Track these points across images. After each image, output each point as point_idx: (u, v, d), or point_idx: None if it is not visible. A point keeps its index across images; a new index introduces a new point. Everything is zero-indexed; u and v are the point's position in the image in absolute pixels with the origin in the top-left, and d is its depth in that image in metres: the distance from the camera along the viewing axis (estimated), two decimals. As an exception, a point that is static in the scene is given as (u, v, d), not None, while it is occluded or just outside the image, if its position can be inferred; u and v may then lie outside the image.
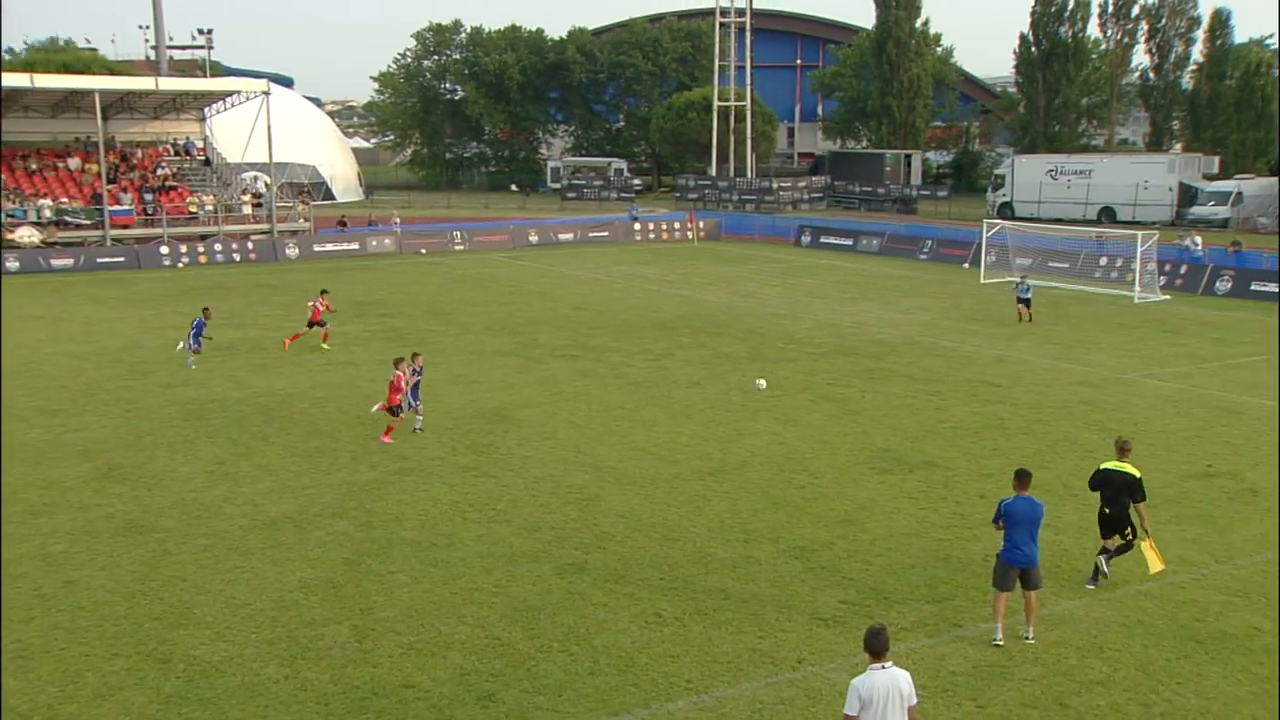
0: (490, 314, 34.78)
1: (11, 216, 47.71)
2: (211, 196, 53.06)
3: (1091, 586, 13.65)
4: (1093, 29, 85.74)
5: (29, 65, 72.63)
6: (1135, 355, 28.38)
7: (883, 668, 8.50)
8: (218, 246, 49.65)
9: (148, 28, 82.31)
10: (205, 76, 74.30)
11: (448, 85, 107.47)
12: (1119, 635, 12.36)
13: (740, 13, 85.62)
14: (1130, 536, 13.71)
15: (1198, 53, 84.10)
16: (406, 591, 13.52)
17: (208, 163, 56.62)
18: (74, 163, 52.85)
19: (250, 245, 50.49)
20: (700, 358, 27.68)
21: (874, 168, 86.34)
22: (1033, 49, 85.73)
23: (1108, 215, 69.35)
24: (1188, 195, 69.29)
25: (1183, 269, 41.59)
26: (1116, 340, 30.53)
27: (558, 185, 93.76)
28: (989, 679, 11.43)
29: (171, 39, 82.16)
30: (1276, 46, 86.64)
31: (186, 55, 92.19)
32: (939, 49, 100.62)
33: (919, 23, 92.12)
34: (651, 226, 61.65)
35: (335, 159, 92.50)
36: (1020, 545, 12.08)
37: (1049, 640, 12.20)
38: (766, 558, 14.55)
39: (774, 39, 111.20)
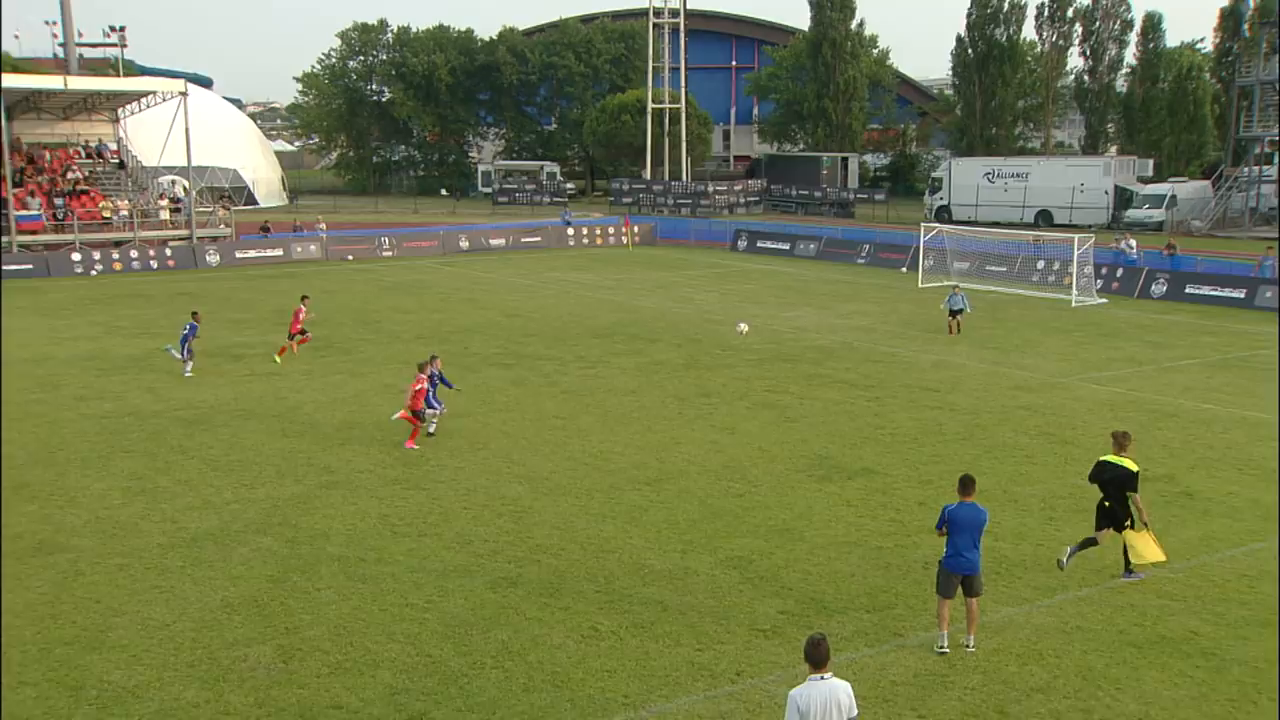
0: (420, 322, 34.54)
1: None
2: (126, 201, 52.11)
3: (1061, 569, 14.19)
4: (1029, 31, 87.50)
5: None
6: (1073, 359, 28.93)
7: (821, 678, 8.55)
8: (134, 253, 48.76)
9: (55, 23, 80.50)
10: (118, 76, 72.80)
11: (374, 86, 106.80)
12: (1058, 641, 12.57)
13: (674, 13, 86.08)
14: (1130, 525, 13.97)
15: (1131, 56, 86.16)
16: (334, 609, 13.36)
17: (122, 166, 55.61)
18: (-24, 166, 51.62)
19: (169, 252, 49.67)
20: (636, 365, 27.73)
21: (811, 171, 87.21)
22: (969, 51, 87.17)
23: (1045, 218, 70.68)
24: (1123, 198, 70.86)
25: (1119, 272, 42.49)
26: (1054, 344, 31.09)
27: (489, 189, 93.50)
28: (930, 688, 11.56)
29: (81, 36, 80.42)
30: (1207, 50, 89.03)
31: (98, 53, 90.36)
32: (875, 51, 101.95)
33: (854, 24, 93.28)
34: (585, 231, 61.71)
35: (258, 162, 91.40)
36: (963, 552, 12.24)
37: (989, 648, 12.38)
38: (704, 568, 14.60)
39: (708, 40, 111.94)
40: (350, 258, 53.31)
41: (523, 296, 40.36)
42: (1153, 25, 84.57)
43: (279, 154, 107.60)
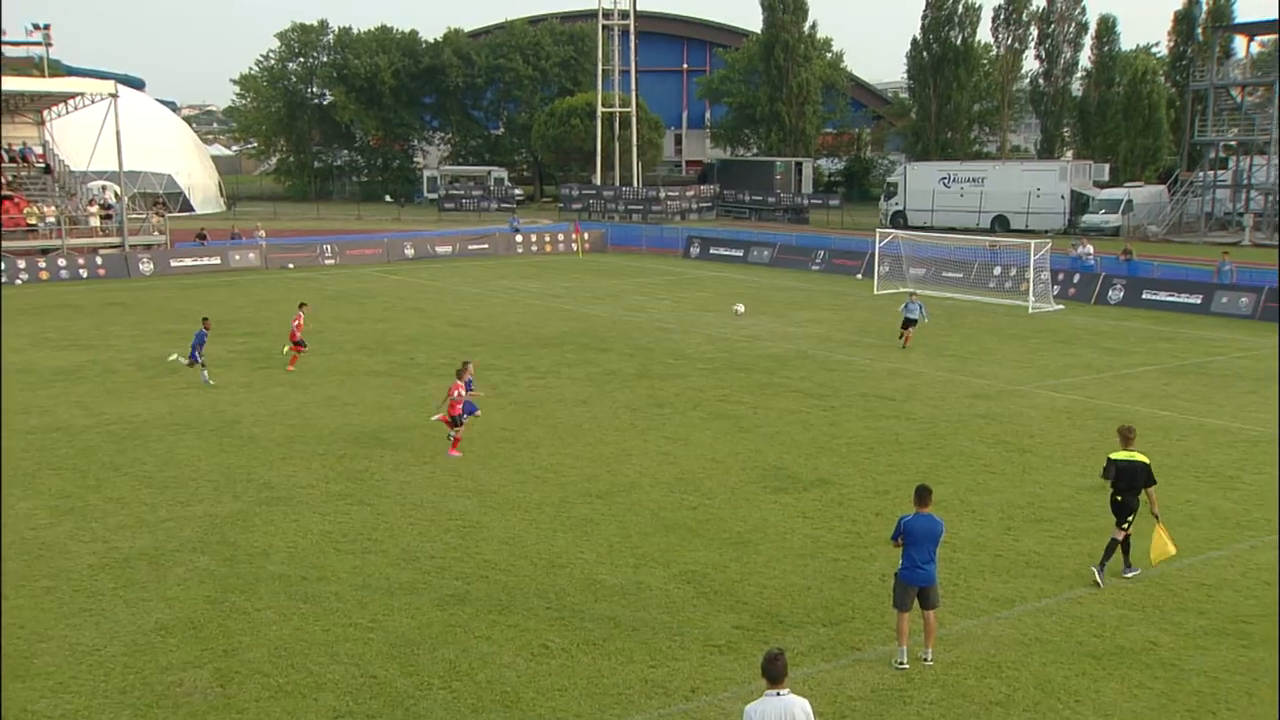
0: (364, 332, 34.32)
1: None
2: (53, 207, 51.34)
3: (1129, 575, 14.69)
4: (985, 34, 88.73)
5: None
6: (1030, 366, 29.28)
7: (778, 694, 8.56)
8: (61, 262, 48.04)
9: (-29, 21, 79.18)
10: (43, 76, 71.76)
11: (315, 89, 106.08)
12: (1017, 654, 12.69)
13: (624, 15, 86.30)
14: (1127, 527, 14.60)
15: (1086, 59, 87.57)
16: (274, 629, 13.22)
17: (48, 170, 54.79)
18: (-108, 170, 50.73)
19: (99, 260, 49.00)
20: (587, 375, 27.71)
21: (764, 176, 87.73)
22: (924, 54, 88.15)
23: (1001, 224, 71.54)
24: (1079, 203, 71.91)
25: (1075, 278, 43.09)
26: (1011, 351, 31.47)
27: (434, 195, 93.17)
28: (888, 703, 11.63)
29: (2, 34, 79.11)
30: (1162, 54, 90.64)
31: (21, 52, 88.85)
32: (829, 54, 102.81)
33: (807, 27, 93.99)
34: (534, 238, 61.65)
35: (193, 167, 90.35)
36: (920, 564, 12.32)
37: (947, 661, 12.48)
38: (657, 583, 14.60)
39: (659, 42, 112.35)
40: (291, 266, 52.89)
41: (470, 305, 40.21)
42: (1107, 28, 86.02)
43: (216, 159, 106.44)
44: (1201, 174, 71.49)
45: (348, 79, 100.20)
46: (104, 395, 25.48)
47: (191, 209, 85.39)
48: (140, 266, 49.56)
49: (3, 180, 52.29)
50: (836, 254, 52.60)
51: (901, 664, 12.27)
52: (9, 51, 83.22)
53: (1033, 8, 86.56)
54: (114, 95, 50.19)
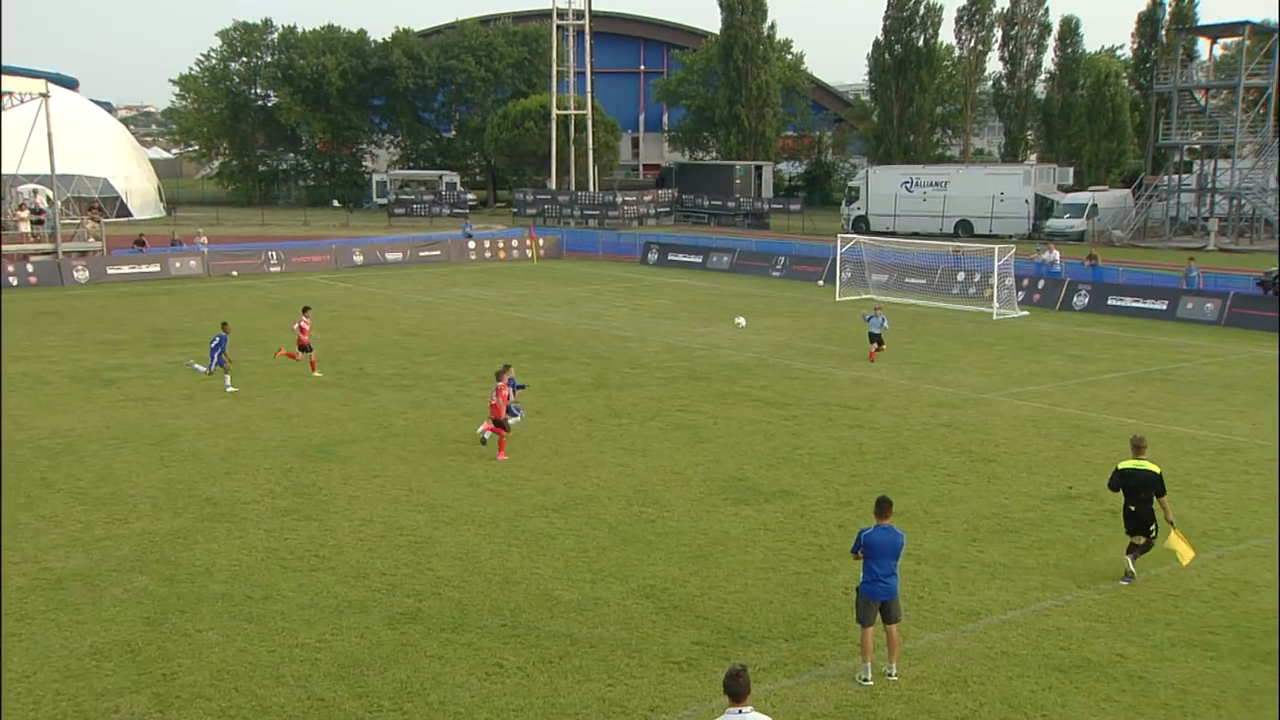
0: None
1: None
2: (-19, 213, 50.61)
3: (1125, 584, 15.01)
4: (949, 36, 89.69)
5: None
6: (995, 374, 29.55)
7: (740, 712, 8.56)
8: (-8, 270, 47.37)
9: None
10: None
11: (259, 90, 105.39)
12: (983, 668, 12.78)
13: (579, 15, 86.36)
14: (1154, 535, 15.04)
15: (1049, 61, 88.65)
16: (217, 651, 13.08)
17: (-25, 174, 53.98)
18: None
19: (30, 268, 48.31)
20: (542, 385, 27.66)
21: (723, 180, 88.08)
22: (886, 55, 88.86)
23: (965, 228, 72.25)
24: (1043, 207, 72.73)
25: (1040, 283, 43.57)
26: (976, 358, 31.74)
27: (384, 200, 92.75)
28: None
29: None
30: (1126, 56, 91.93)
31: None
32: (789, 55, 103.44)
33: (766, 27, 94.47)
34: (487, 244, 61.55)
35: (131, 171, 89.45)
36: (881, 577, 12.38)
37: (912, 676, 12.54)
38: (615, 598, 14.59)
39: (615, 43, 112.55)
40: (234, 273, 52.48)
41: (421, 314, 40.05)
42: (1070, 30, 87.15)
43: (154, 162, 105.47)
44: (1166, 178, 72.54)
45: (293, 80, 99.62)
46: (36, 408, 25.13)
47: (129, 214, 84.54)
48: (75, 274, 48.96)
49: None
50: (797, 260, 52.88)
51: (865, 680, 12.32)
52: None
53: (996, 9, 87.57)
54: (45, 95, 49.56)
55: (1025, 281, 43.45)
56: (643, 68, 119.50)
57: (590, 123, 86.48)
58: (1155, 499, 15.01)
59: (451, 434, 22.84)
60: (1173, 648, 13.27)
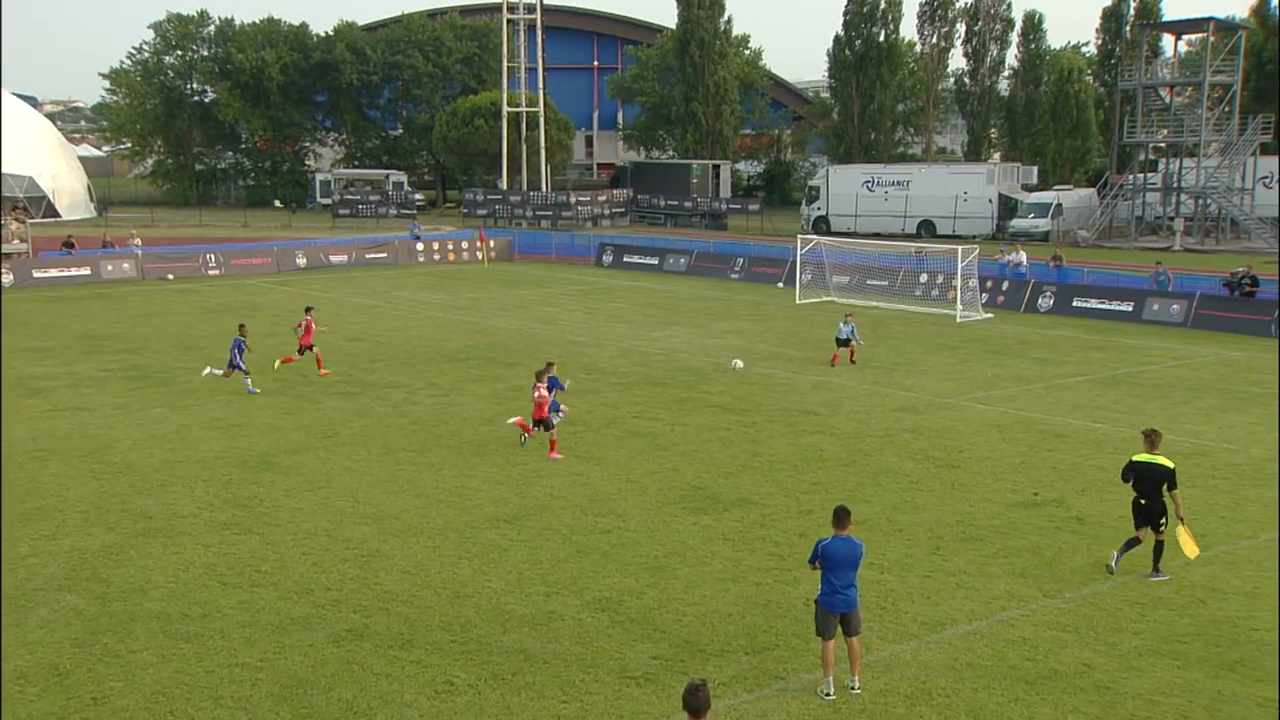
0: (252, 348, 33.70)
1: None
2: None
3: (1156, 579, 15.60)
4: (911, 31, 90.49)
5: None
6: (958, 378, 29.80)
7: (699, 728, 8.59)
8: (-90, 274, 46.64)
9: None
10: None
11: (195, 85, 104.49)
12: (948, 680, 12.87)
13: (529, 9, 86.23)
14: (1163, 529, 15.59)
15: (1013, 57, 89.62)
16: (151, 673, 12.93)
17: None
18: None
19: (-49, 272, 47.62)
20: (493, 392, 27.60)
21: (680, 179, 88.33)
22: (846, 51, 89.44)
23: (927, 229, 72.85)
24: (1007, 207, 73.47)
25: (1005, 285, 43.99)
26: (939, 362, 31.99)
27: (328, 201, 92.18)
28: (814, 734, 11.72)
29: None
30: (1091, 53, 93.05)
31: None
32: (747, 51, 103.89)
33: (723, 22, 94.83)
34: (436, 246, 61.33)
35: (58, 169, 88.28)
36: (840, 589, 12.43)
37: (875, 689, 12.61)
38: (570, 612, 14.57)
39: (568, 38, 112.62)
40: (170, 277, 51.96)
41: (368, 318, 39.84)
42: (1034, 25, 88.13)
43: (84, 160, 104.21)
44: (1131, 177, 73.49)
45: (231, 74, 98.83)
46: (-39, 419, 24.74)
47: (57, 214, 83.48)
48: None
49: None
50: (756, 261, 53.09)
51: (828, 694, 12.37)
52: None
53: (959, 4, 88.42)
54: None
55: (989, 283, 43.86)
56: (596, 63, 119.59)
57: (542, 120, 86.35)
58: (1167, 493, 15.55)
59: (399, 443, 22.72)
60: (1140, 657, 13.42)
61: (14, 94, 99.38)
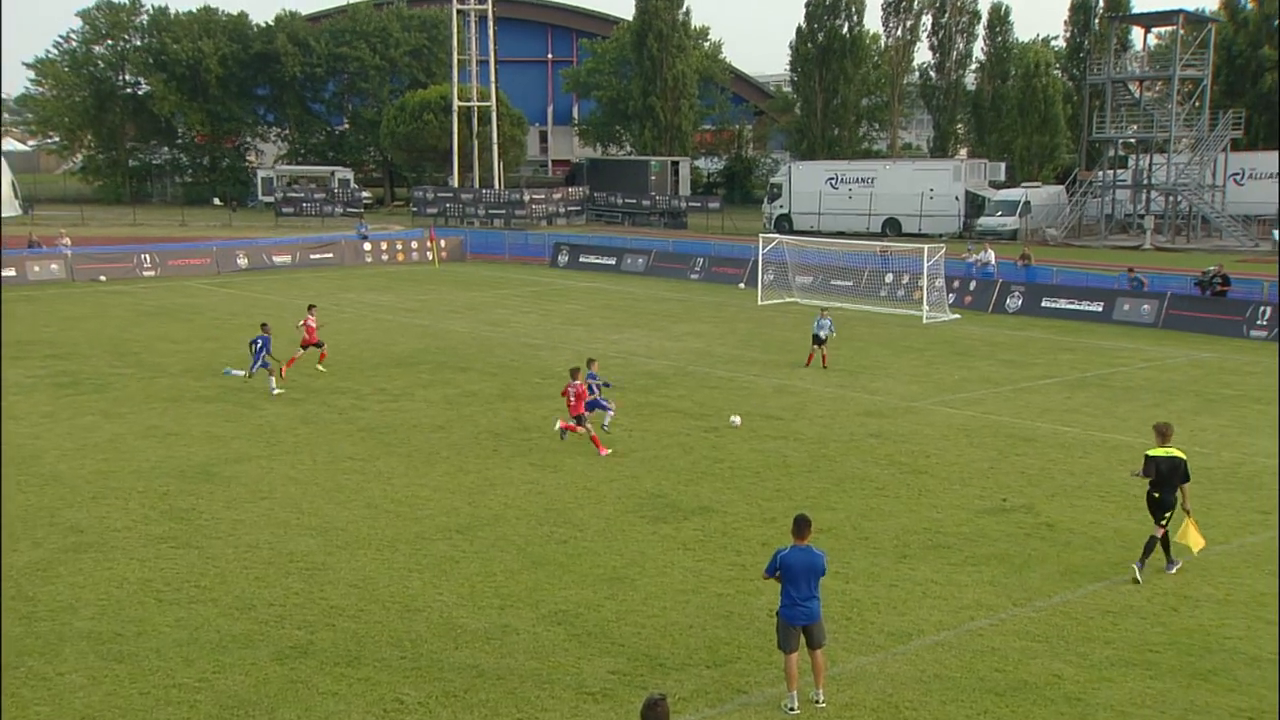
0: (191, 353, 33.51)
1: None
2: None
3: (1172, 570, 16.25)
4: (875, 23, 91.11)
5: None
6: (925, 381, 30.00)
7: (658, 745, 8.60)
8: None
9: None
10: None
11: (128, 77, 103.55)
12: (915, 692, 12.94)
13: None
14: (1166, 522, 16.13)
15: (979, 50, 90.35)
16: (81, 696, 12.77)
17: None
18: None
19: None
20: (444, 397, 27.50)
21: (638, 177, 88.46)
22: (808, 44, 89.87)
23: (893, 227, 73.31)
24: (974, 205, 74.05)
25: (972, 285, 44.33)
26: (905, 365, 32.19)
27: (271, 199, 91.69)
28: (778, 750, 11.75)
29: None
30: (1060, 47, 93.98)
31: None
32: (706, 43, 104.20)
33: (681, 14, 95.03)
34: (384, 246, 61.17)
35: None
36: (800, 600, 12.43)
37: (841, 702, 12.66)
38: (525, 626, 14.54)
39: (521, 30, 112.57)
40: (103, 278, 51.49)
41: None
42: (1000, 18, 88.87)
43: (7, 154, 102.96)
44: (1101, 174, 74.23)
45: (167, 66, 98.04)
46: (-119, 429, 24.38)
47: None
48: (-78, 280, 47.67)
49: None
50: (717, 261, 53.24)
51: (792, 708, 12.40)
52: None
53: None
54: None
55: (956, 283, 44.19)
56: (550, 56, 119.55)
57: (495, 115, 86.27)
58: (1179, 487, 16.09)
59: (347, 451, 22.60)
60: (1111, 667, 13.55)
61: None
